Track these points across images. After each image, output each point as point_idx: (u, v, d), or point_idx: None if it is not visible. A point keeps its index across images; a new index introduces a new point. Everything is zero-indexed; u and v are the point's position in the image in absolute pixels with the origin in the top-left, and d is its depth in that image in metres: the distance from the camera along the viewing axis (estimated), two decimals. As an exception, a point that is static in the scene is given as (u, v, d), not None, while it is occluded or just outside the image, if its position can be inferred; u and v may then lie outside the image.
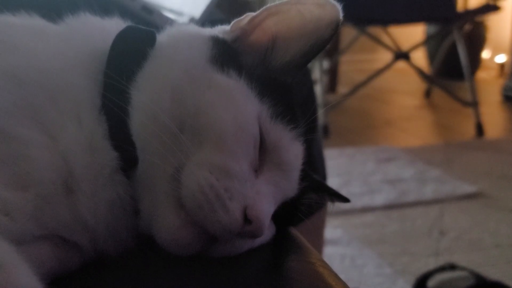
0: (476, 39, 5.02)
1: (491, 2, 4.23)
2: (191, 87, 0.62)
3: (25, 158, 0.55)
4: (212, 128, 0.60)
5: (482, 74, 5.32)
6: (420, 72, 4.30)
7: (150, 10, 1.04)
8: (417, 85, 4.91)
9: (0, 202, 0.53)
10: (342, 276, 0.67)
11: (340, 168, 3.00)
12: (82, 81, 0.62)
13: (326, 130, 3.55)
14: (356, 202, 2.52)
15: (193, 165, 0.59)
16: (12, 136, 0.55)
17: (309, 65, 0.77)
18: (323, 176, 1.31)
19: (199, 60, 0.65)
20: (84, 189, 0.58)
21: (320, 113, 3.12)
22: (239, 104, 0.62)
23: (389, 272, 2.02)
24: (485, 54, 5.33)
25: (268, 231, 0.65)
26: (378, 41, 4.02)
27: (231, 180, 0.59)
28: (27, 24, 0.67)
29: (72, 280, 0.59)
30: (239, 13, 0.70)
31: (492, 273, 1.93)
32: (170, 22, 0.78)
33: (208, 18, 1.10)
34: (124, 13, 0.73)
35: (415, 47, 4.10)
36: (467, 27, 4.74)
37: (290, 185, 0.65)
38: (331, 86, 4.64)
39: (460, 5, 4.64)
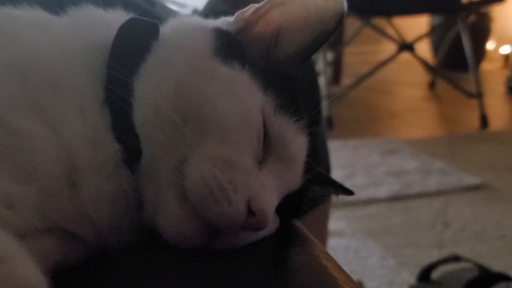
0: (481, 30, 5.01)
1: (496, -7, 4.20)
2: (194, 79, 0.62)
3: (28, 151, 0.55)
4: (216, 121, 0.60)
5: (486, 66, 5.31)
6: (424, 63, 4.29)
7: (153, 2, 1.04)
8: (421, 76, 4.90)
9: (3, 195, 0.53)
10: (346, 268, 0.66)
11: (344, 160, 3.00)
12: (85, 73, 0.62)
13: (330, 122, 3.54)
14: (360, 194, 2.52)
15: (197, 158, 0.59)
16: (15, 129, 0.55)
17: (313, 56, 0.77)
18: (327, 168, 1.31)
19: (202, 52, 0.64)
20: (88, 182, 0.58)
21: (324, 105, 3.11)
22: (242, 96, 0.62)
23: (393, 264, 2.02)
24: (490, 45, 5.31)
25: (272, 224, 0.65)
26: (382, 32, 4.01)
27: (235, 172, 0.58)
28: (29, 16, 0.67)
29: (76, 273, 0.59)
30: (243, 4, 0.70)
31: (496, 265, 1.94)
32: (173, 13, 0.78)
33: (211, 10, 1.10)
34: (127, 4, 0.73)
35: (419, 38, 4.09)
36: (472, 18, 4.72)
37: (294, 178, 0.65)
38: (335, 77, 4.63)
39: (464, -4, 4.62)
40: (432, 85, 4.68)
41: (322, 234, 1.41)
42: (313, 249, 0.69)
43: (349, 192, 0.76)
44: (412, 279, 1.91)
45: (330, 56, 4.27)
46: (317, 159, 1.17)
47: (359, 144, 3.29)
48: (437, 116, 4.23)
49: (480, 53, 4.91)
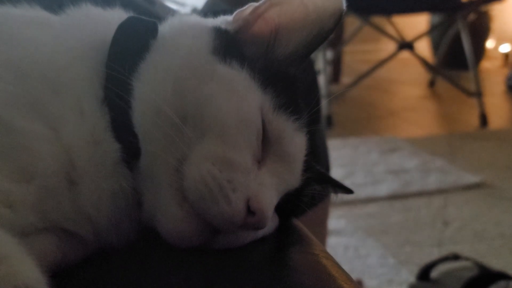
0: (481, 29, 5.01)
1: (495, -8, 4.20)
2: (193, 78, 0.62)
3: (27, 151, 0.55)
4: (215, 120, 0.60)
5: (486, 64, 5.30)
6: (424, 62, 4.29)
7: (152, 1, 1.04)
8: (421, 75, 4.90)
9: (2, 194, 0.53)
10: (345, 267, 0.66)
11: (343, 158, 3.00)
12: (84, 72, 0.62)
13: (329, 120, 3.54)
14: (360, 192, 2.52)
15: (196, 157, 0.59)
16: (14, 128, 0.55)
17: (313, 55, 0.77)
18: (327, 167, 1.31)
19: (201, 51, 0.64)
20: (87, 181, 0.58)
21: (324, 103, 3.11)
22: (241, 95, 0.62)
23: (393, 262, 2.02)
24: (489, 43, 5.31)
25: (271, 223, 0.65)
26: (382, 31, 4.01)
27: (234, 171, 0.58)
28: (28, 15, 0.67)
29: (75, 272, 0.59)
30: (242, 3, 0.70)
31: (495, 263, 1.93)
32: (172, 12, 0.78)
33: (210, 9, 1.10)
34: (126, 3, 0.73)
35: (419, 37, 4.09)
36: (472, 16, 4.72)
37: (293, 176, 0.65)
38: (335, 76, 4.63)
39: (464, -5, 4.62)
40: (431, 84, 4.68)
41: (322, 233, 1.41)
42: (313, 248, 0.69)
43: (349, 191, 0.76)
44: (411, 278, 1.91)
45: (329, 54, 4.27)
46: (317, 158, 1.17)
47: (359, 142, 3.29)
48: (436, 115, 4.23)
49: (479, 51, 4.91)
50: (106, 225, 0.60)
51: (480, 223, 2.32)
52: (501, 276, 1.77)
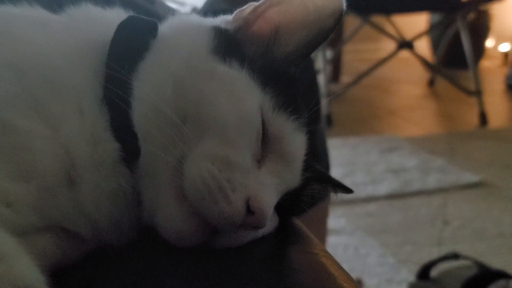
0: (480, 28, 5.01)
1: (495, -9, 4.20)
2: (193, 78, 0.62)
3: (27, 150, 0.55)
4: (214, 119, 0.60)
5: (485, 63, 5.31)
6: (423, 61, 4.29)
7: (152, 0, 1.04)
8: (421, 74, 4.90)
9: (2, 193, 0.53)
10: (345, 266, 0.66)
11: (343, 158, 3.00)
12: (84, 72, 0.62)
13: (329, 120, 3.54)
14: (360, 191, 2.52)
15: (196, 156, 0.59)
16: (14, 127, 0.55)
17: (312, 54, 0.77)
18: (326, 166, 1.31)
19: (201, 50, 0.64)
20: (87, 181, 0.58)
21: (323, 103, 3.11)
22: (241, 95, 0.62)
23: (392, 262, 2.02)
24: (489, 43, 5.31)
25: (271, 222, 0.65)
26: (381, 30, 4.01)
27: (233, 171, 0.58)
28: (29, 15, 0.67)
29: (75, 272, 0.59)
30: (242, 3, 0.70)
31: (495, 262, 1.94)
32: (172, 12, 0.78)
33: (210, 8, 1.10)
34: (126, 3, 0.73)
35: (418, 36, 4.09)
36: (471, 16, 4.72)
37: (293, 176, 0.65)
38: (334, 75, 4.63)
39: (464, -6, 4.62)
40: (431, 83, 4.68)
41: (321, 232, 1.42)
42: (312, 247, 0.69)
43: (348, 190, 0.76)
44: (411, 277, 1.91)
45: (329, 54, 4.27)
46: (316, 157, 1.17)
47: (359, 142, 3.29)
48: (436, 114, 4.23)
49: (479, 50, 4.91)
50: (105, 224, 0.60)
51: (479, 222, 2.32)
52: (500, 275, 1.77)
